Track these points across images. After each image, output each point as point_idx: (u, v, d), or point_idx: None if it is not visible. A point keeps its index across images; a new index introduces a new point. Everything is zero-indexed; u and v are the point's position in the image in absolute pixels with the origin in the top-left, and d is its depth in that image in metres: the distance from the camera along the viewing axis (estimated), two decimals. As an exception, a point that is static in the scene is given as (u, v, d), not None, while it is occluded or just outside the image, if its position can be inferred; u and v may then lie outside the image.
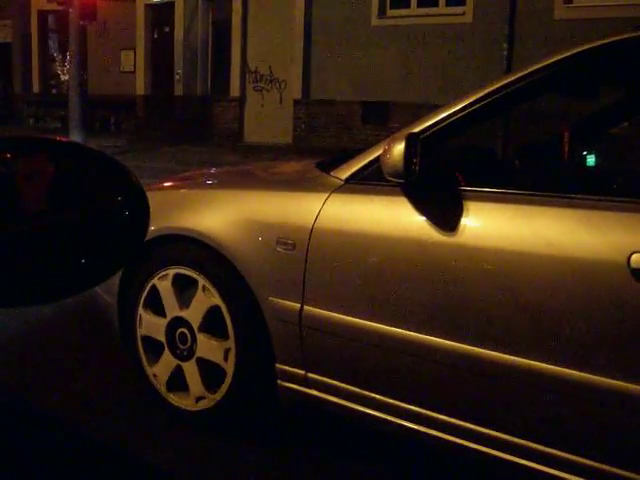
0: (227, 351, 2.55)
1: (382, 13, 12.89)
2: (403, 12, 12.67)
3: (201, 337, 2.62)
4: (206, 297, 2.58)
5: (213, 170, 3.74)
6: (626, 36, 2.02)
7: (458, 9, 12.01)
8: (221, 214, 2.57)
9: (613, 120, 3.22)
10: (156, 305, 2.75)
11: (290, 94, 14.27)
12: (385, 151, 2.08)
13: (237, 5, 14.77)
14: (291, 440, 2.67)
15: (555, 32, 10.03)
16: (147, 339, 2.81)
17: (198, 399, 2.68)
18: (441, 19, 12.17)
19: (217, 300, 2.54)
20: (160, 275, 2.70)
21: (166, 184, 3.23)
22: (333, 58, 13.36)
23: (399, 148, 2.01)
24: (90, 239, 0.84)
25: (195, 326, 2.63)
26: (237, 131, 15.11)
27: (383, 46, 12.67)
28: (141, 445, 2.61)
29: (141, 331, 2.80)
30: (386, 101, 12.46)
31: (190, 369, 2.68)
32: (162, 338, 2.74)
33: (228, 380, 2.57)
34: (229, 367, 2.56)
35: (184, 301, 2.68)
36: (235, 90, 15.08)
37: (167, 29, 16.48)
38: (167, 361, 2.74)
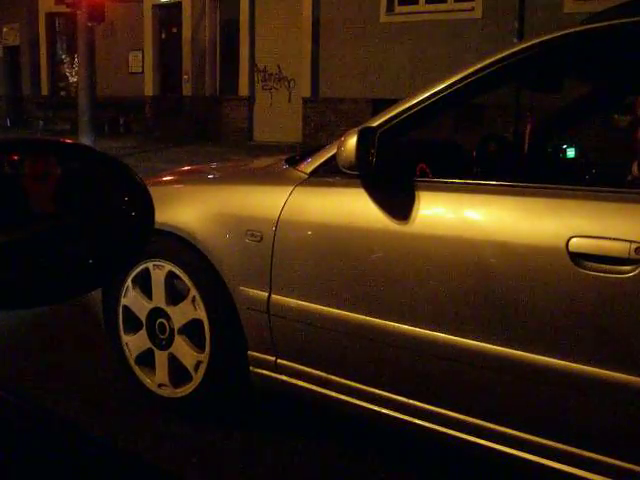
0: (199, 363, 2.62)
1: (390, 10, 12.87)
2: (412, 8, 12.66)
3: (179, 339, 2.68)
4: (193, 308, 2.62)
5: (189, 167, 3.82)
6: (571, 30, 2.08)
7: (467, 4, 12.01)
8: (195, 208, 2.65)
9: (571, 115, 3.44)
10: (145, 285, 2.77)
11: (299, 92, 14.28)
12: (340, 144, 2.15)
13: (244, 4, 14.78)
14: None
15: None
16: (128, 310, 2.84)
17: (160, 385, 2.76)
18: (450, 15, 12.16)
19: (202, 314, 2.59)
20: (155, 263, 2.72)
21: (147, 182, 3.23)
22: (342, 55, 13.35)
23: (351, 142, 2.09)
24: (97, 239, 0.85)
25: (176, 327, 2.68)
26: (247, 130, 15.13)
27: (392, 43, 12.64)
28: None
29: (125, 300, 2.83)
30: (395, 98, 12.34)
31: (161, 359, 2.75)
32: (143, 319, 2.78)
33: (192, 385, 2.66)
34: (197, 377, 2.64)
35: (172, 297, 2.70)
36: (244, 89, 15.10)
37: (175, 29, 16.51)
38: (142, 340, 2.79)
